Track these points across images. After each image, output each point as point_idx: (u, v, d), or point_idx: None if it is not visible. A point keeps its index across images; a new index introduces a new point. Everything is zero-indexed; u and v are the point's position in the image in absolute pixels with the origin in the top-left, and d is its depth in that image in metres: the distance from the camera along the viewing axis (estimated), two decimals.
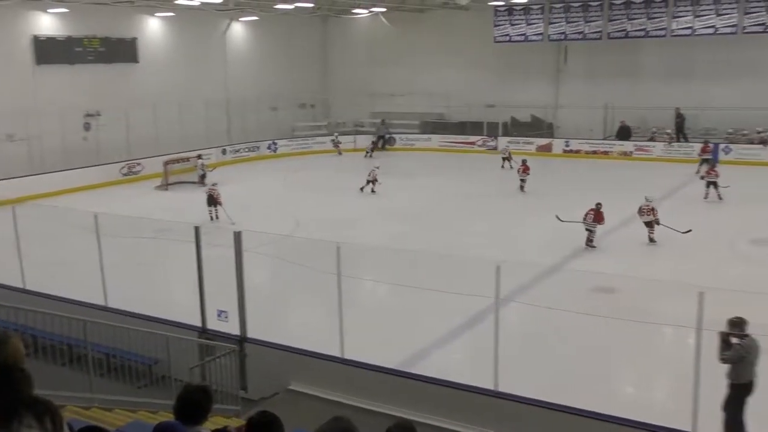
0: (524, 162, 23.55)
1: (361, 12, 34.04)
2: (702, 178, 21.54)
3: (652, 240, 16.44)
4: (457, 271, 13.55)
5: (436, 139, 33.36)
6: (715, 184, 20.53)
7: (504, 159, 27.65)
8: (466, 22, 33.37)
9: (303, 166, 29.03)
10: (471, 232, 17.51)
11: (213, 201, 19.48)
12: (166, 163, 25.22)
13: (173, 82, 29.16)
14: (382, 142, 33.22)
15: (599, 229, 16.20)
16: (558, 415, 7.61)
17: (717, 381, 8.34)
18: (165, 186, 24.82)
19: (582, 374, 9.67)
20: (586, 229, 16.14)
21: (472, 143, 32.34)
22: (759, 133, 27.21)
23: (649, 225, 16.53)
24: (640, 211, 16.70)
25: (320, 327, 10.91)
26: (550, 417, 7.62)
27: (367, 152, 31.52)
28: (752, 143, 27.04)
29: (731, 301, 10.62)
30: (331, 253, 9.10)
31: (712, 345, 8.01)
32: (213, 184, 20.51)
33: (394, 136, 33.77)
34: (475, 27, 33.04)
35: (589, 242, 16.16)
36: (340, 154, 32.13)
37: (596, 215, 16.16)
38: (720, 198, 20.39)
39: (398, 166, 29.05)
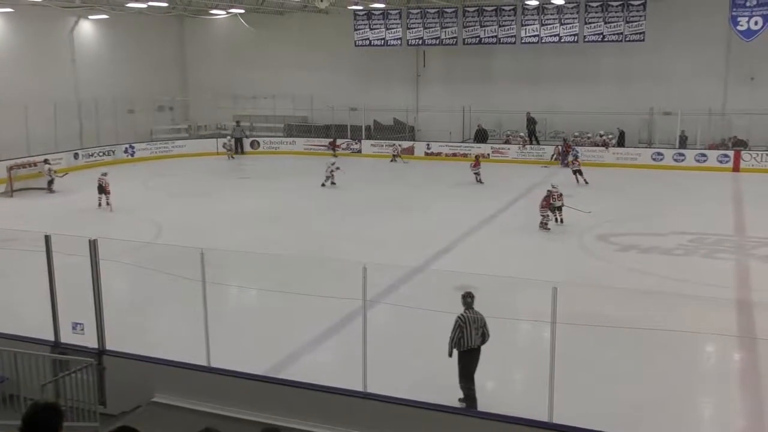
0: (477, 158, 26.21)
1: (219, 13, 33.36)
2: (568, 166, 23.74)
3: (561, 221, 18.28)
4: (325, 274, 13.62)
5: (301, 142, 33.29)
6: (580, 172, 23.72)
7: (394, 156, 29.43)
8: (327, 25, 33.59)
9: (164, 171, 28.07)
10: (338, 234, 17.62)
11: (102, 189, 20.66)
12: (10, 169, 23.61)
13: (15, 82, 27.30)
14: (239, 144, 32.69)
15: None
16: (427, 413, 7.80)
17: (572, 371, 8.89)
18: (10, 193, 23.25)
19: (449, 372, 9.96)
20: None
21: (338, 146, 32.54)
22: (601, 136, 29.21)
23: (559, 209, 18.24)
24: (552, 197, 18.11)
25: (185, 336, 10.58)
26: (419, 416, 7.80)
27: (228, 154, 31.46)
28: (596, 145, 28.98)
29: (581, 295, 11.39)
30: (194, 260, 8.87)
31: (566, 337, 8.55)
32: (103, 174, 21.17)
33: (256, 138, 33.32)
34: (335, 30, 33.31)
35: (544, 225, 17.89)
36: (231, 158, 31.62)
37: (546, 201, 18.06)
38: (586, 182, 23.42)
39: (262, 169, 28.76)
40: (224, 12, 33.06)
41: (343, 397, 8.26)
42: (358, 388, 8.16)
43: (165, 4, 29.54)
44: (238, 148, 32.52)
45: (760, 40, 26.20)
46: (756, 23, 25.96)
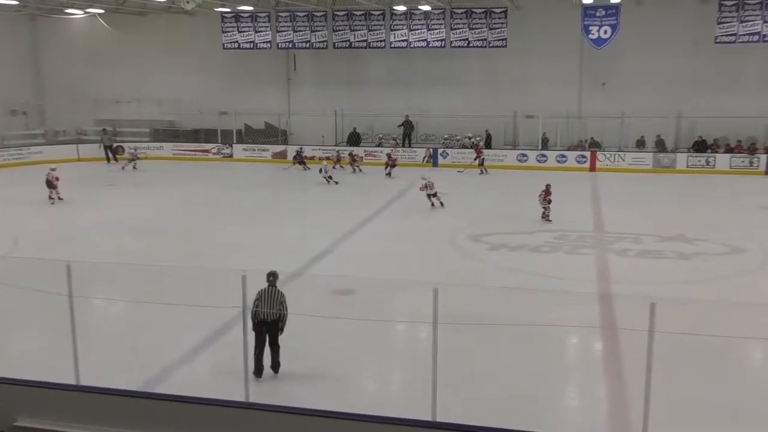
0: (389, 155, 27.69)
1: (76, 13, 31.72)
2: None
3: (441, 204, 20.79)
4: (199, 283, 13.24)
5: (169, 148, 32.23)
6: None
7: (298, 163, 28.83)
8: (193, 27, 32.76)
9: (18, 179, 26.30)
10: (213, 242, 17.18)
11: (50, 184, 21.75)
12: None
13: None
14: (110, 151, 31.24)
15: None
16: (311, 420, 7.74)
17: (452, 370, 9.11)
18: None
19: (330, 376, 9.95)
20: (543, 207, 19.50)
21: (207, 151, 31.76)
22: (469, 138, 30.20)
23: (434, 195, 20.72)
24: (424, 188, 20.72)
25: (50, 354, 9.98)
26: (302, 423, 7.73)
27: (110, 160, 30.40)
28: (465, 148, 29.92)
29: (457, 294, 11.69)
30: (58, 273, 8.36)
31: (444, 336, 8.76)
32: (52, 169, 22.23)
33: (120, 144, 31.90)
34: (203, 32, 32.53)
35: (545, 217, 19.28)
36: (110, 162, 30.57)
37: (547, 193, 19.40)
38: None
39: (129, 176, 27.59)
40: (82, 12, 31.47)
41: (224, 408, 8.05)
42: (240, 398, 7.99)
43: (15, 2, 27.73)
44: (108, 156, 30.97)
45: (610, 48, 28.03)
46: (605, 32, 27.73)
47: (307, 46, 31.46)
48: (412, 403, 8.39)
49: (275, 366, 9.84)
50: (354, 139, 31.88)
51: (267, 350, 9.74)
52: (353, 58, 32.12)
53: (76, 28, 34.71)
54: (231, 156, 31.26)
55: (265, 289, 9.75)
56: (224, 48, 32.05)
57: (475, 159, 27.76)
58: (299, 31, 31.22)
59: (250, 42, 31.76)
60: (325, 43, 31.21)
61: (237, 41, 31.91)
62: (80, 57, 34.41)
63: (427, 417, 7.30)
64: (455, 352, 10.16)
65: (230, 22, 31.75)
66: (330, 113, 32.02)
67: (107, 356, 10.13)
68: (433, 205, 20.73)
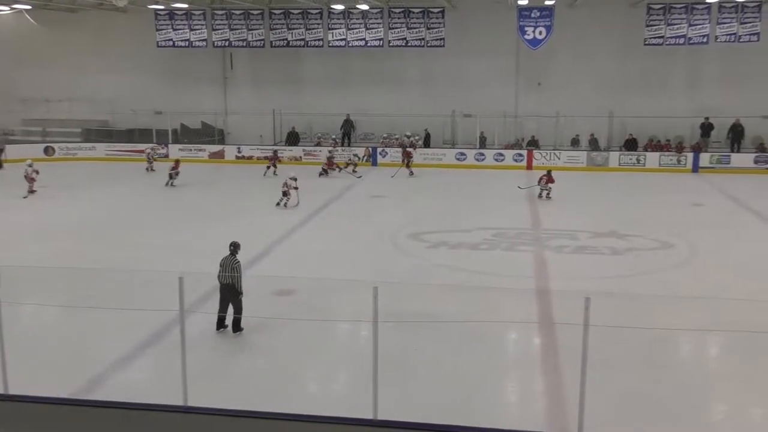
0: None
1: (1, 9, 30.58)
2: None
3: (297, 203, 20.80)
4: (135, 286, 12.95)
5: (102, 148, 31.39)
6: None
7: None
8: (126, 24, 32.02)
9: None
10: (148, 244, 16.82)
11: (29, 179, 22.28)
12: None
13: None
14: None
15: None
16: (250, 422, 7.65)
17: (393, 368, 9.15)
18: None
19: (271, 376, 9.87)
20: (542, 189, 21.75)
21: (142, 151, 31.03)
22: (408, 137, 30.36)
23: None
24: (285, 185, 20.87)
25: None
26: (242, 425, 7.64)
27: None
28: (403, 146, 29.99)
29: (398, 292, 11.75)
30: None
31: (385, 335, 8.79)
32: (29, 164, 22.65)
33: (50, 145, 30.86)
34: (136, 30, 31.80)
35: (548, 197, 21.72)
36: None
37: (548, 178, 21.93)
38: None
39: (60, 177, 26.74)
40: (7, 8, 30.36)
41: (163, 413, 7.90)
42: (178, 402, 7.85)
43: None
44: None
45: (545, 49, 28.59)
46: (540, 33, 28.25)
47: (244, 44, 31.07)
48: (354, 402, 8.39)
49: (233, 325, 11.02)
50: (293, 138, 31.69)
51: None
52: (291, 57, 31.91)
53: (1, 25, 33.47)
54: (167, 156, 30.64)
55: (226, 256, 11.14)
56: (158, 46, 31.37)
57: (403, 160, 27.59)
58: (236, 29, 30.82)
59: (186, 40, 31.18)
60: (263, 42, 30.87)
61: (172, 39, 31.27)
62: (6, 55, 33.21)
63: (368, 416, 7.31)
64: (396, 350, 10.20)
65: (164, 20, 31.10)
66: (268, 112, 31.73)
67: (38, 363, 9.81)
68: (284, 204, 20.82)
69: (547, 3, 27.34)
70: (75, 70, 32.56)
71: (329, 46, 30.49)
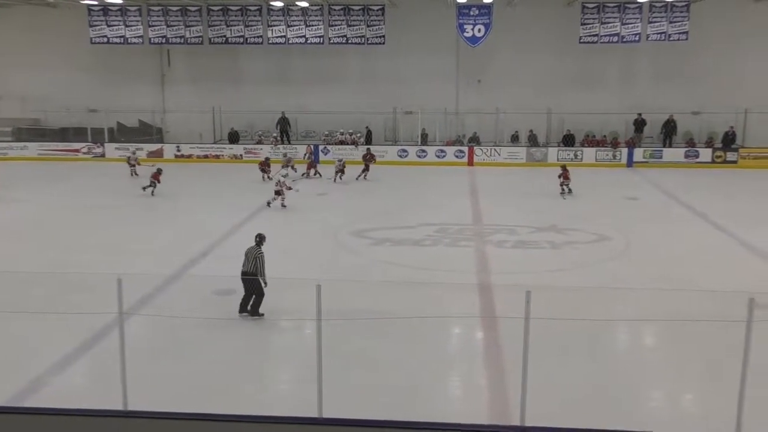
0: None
1: None
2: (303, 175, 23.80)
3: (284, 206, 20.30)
4: (71, 289, 12.60)
5: (34, 148, 30.37)
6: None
7: (131, 166, 26.20)
8: (58, 20, 31.11)
9: None
10: (84, 246, 16.37)
11: None
12: None
13: None
14: None
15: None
16: (191, 424, 7.53)
17: (338, 366, 9.13)
18: None
19: (213, 377, 9.73)
20: (562, 185, 22.27)
21: (77, 151, 30.21)
22: (351, 134, 30.34)
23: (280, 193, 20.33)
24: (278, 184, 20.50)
25: None
26: (183, 428, 7.51)
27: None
28: (345, 143, 30.00)
29: (342, 290, 11.74)
30: None
31: (331, 333, 8.77)
32: None
33: None
34: (69, 26, 30.94)
35: (569, 192, 22.19)
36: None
37: (565, 174, 22.34)
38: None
39: None
40: None
41: (101, 418, 7.70)
42: (118, 407, 7.68)
43: None
44: None
45: (484, 47, 28.97)
46: (479, 30, 28.62)
47: (182, 41, 30.53)
48: (298, 400, 8.36)
49: (251, 310, 11.46)
50: (233, 137, 31.32)
51: None
52: (230, 55, 31.51)
53: None
54: (103, 156, 29.91)
55: (251, 247, 11.75)
56: (92, 43, 30.55)
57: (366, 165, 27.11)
58: (173, 25, 30.23)
59: (121, 36, 30.44)
60: (201, 39, 30.41)
61: (106, 36, 30.49)
62: None
63: (313, 414, 7.28)
64: (341, 348, 10.20)
65: (98, 16, 30.29)
66: (207, 110, 31.27)
67: None
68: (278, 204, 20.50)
69: (485, 1, 27.69)
70: (5, 68, 31.48)
71: (269, 44, 30.23)
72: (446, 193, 23.09)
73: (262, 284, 11.46)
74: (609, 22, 28.76)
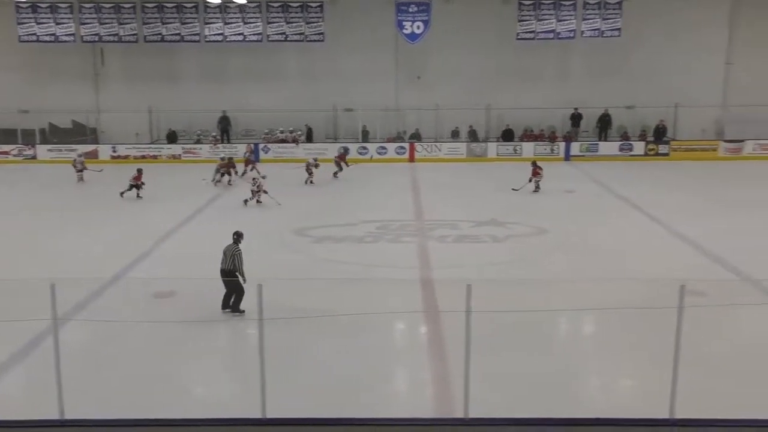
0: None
1: None
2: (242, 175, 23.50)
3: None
4: (2, 296, 12.17)
5: None
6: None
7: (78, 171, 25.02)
8: None
9: None
10: (16, 251, 15.84)
11: None
12: None
13: None
14: None
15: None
16: (130, 430, 7.40)
17: (282, 365, 9.07)
18: None
19: (155, 381, 9.54)
20: (536, 182, 22.36)
21: (7, 153, 29.20)
22: (291, 132, 30.15)
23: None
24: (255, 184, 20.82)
25: None
26: None
27: None
28: (285, 142, 29.80)
29: (284, 288, 11.66)
30: None
31: (275, 333, 8.71)
32: None
33: None
34: None
35: (537, 189, 22.24)
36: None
37: (535, 170, 22.48)
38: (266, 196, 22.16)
39: None
40: None
41: (37, 429, 7.50)
42: (55, 416, 7.47)
43: None
44: None
45: (423, 43, 29.18)
46: (418, 27, 28.82)
47: (116, 39, 29.82)
48: (241, 401, 8.27)
49: (233, 307, 11.49)
50: (172, 137, 30.76)
51: None
52: (167, 53, 30.91)
53: None
54: (34, 157, 29.00)
55: (229, 245, 11.79)
56: (21, 41, 29.59)
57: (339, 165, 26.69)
58: (106, 23, 29.50)
59: (51, 34, 29.55)
60: (136, 37, 29.76)
61: (35, 33, 29.55)
62: None
63: (256, 414, 7.22)
64: (285, 346, 10.14)
65: (26, 13, 29.33)
66: (144, 110, 30.62)
67: None
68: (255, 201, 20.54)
69: None
70: None
71: (206, 41, 29.81)
72: (388, 190, 23.16)
73: (241, 281, 11.45)
74: (545, 19, 29.31)
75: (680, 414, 7.23)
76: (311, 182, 23.82)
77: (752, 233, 17.12)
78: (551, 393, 9.06)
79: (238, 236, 12.05)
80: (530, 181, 22.58)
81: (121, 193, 21.53)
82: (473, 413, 7.35)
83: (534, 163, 23.08)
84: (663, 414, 7.31)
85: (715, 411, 7.33)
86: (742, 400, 8.55)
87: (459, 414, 7.54)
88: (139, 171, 21.91)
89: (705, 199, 21.26)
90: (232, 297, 11.58)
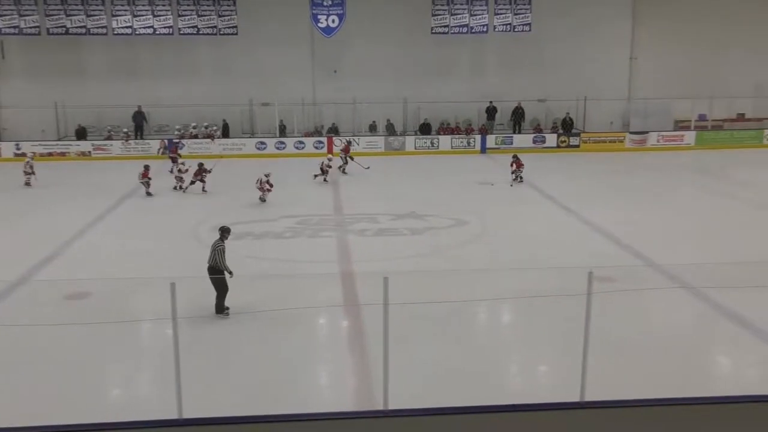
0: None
1: None
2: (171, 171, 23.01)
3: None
4: None
5: None
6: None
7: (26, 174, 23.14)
8: None
9: None
10: None
11: None
12: None
13: None
14: None
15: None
16: None
17: (200, 364, 8.91)
18: None
19: (69, 385, 9.22)
20: (513, 173, 22.71)
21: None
22: (206, 128, 29.57)
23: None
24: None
25: None
26: None
27: None
28: (197, 137, 29.18)
29: (201, 287, 11.45)
30: None
31: (193, 332, 8.56)
32: None
33: None
34: None
35: (520, 180, 22.63)
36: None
37: (517, 162, 22.76)
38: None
39: None
40: None
41: None
42: None
43: None
44: None
45: (339, 37, 29.12)
46: (333, 21, 28.74)
47: (16, 31, 28.50)
48: (158, 402, 8.09)
49: (215, 307, 11.12)
50: (81, 133, 29.65)
51: None
52: (73, 46, 29.74)
53: None
54: None
55: (215, 240, 11.48)
56: None
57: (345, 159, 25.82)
58: (5, 15, 28.15)
59: None
60: (38, 29, 28.52)
61: None
62: None
63: (173, 415, 7.08)
64: (203, 345, 9.97)
65: None
66: (49, 106, 29.41)
67: None
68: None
69: None
70: None
71: (114, 34, 28.86)
72: (306, 185, 23.05)
73: (227, 276, 11.12)
74: (458, 14, 29.77)
75: (590, 397, 7.49)
76: (325, 180, 23.49)
77: (657, 221, 17.93)
78: (469, 382, 9.25)
79: (223, 231, 11.66)
80: (513, 174, 22.85)
81: (149, 193, 21.19)
82: (393, 405, 7.41)
83: (515, 156, 23.40)
84: (574, 397, 7.56)
85: (624, 392, 7.63)
86: (649, 381, 8.96)
87: (379, 406, 7.59)
88: (146, 168, 21.43)
89: (613, 189, 22.10)
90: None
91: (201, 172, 21.49)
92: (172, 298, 6.95)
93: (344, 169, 25.25)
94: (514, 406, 7.40)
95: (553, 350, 10.28)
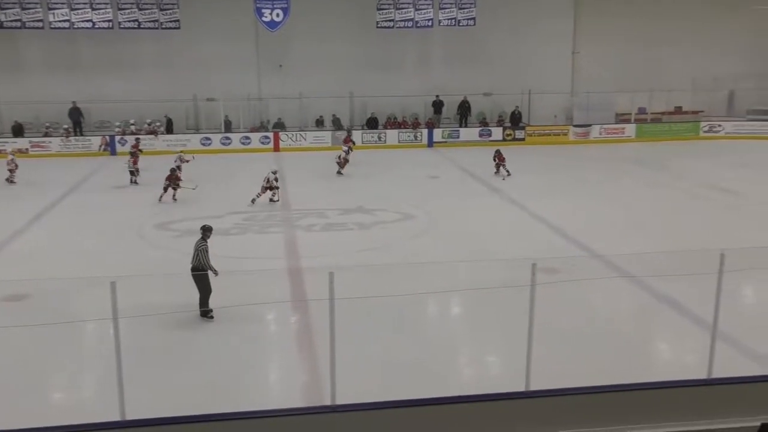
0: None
1: None
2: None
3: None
4: None
5: None
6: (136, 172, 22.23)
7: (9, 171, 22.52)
8: None
9: None
10: None
11: None
12: None
13: None
14: None
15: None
16: None
17: (144, 365, 8.75)
18: None
19: (7, 391, 8.95)
20: (497, 166, 22.70)
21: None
22: (149, 124, 29.02)
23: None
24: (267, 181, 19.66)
25: None
26: None
27: None
28: (139, 133, 28.60)
29: (143, 286, 11.25)
30: None
31: (137, 332, 8.38)
32: None
33: None
34: None
35: (507, 174, 22.45)
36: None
37: (500, 156, 22.83)
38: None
39: None
40: None
41: None
42: None
43: None
44: None
45: (284, 31, 28.89)
46: (278, 15, 28.50)
47: None
48: (101, 404, 7.92)
49: (199, 306, 10.86)
50: (17, 130, 28.75)
51: None
52: (7, 41, 28.84)
53: None
54: None
55: (197, 240, 11.26)
56: None
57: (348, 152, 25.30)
58: None
59: None
60: None
61: None
62: None
63: (115, 417, 6.95)
64: (148, 345, 9.80)
65: None
66: None
67: None
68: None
69: None
70: None
71: (51, 28, 28.07)
72: (253, 181, 22.79)
73: (211, 275, 10.90)
74: (403, 8, 29.86)
75: (535, 386, 7.62)
76: (340, 173, 23.57)
77: (600, 212, 18.32)
78: (416, 375, 9.30)
79: (204, 230, 11.38)
80: (497, 169, 22.82)
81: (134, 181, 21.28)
82: (340, 400, 7.41)
83: (497, 150, 23.41)
84: (520, 387, 7.67)
85: (568, 380, 7.78)
86: (592, 369, 9.15)
87: (327, 402, 7.58)
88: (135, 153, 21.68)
89: (557, 181, 22.48)
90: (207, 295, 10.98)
91: (173, 179, 19.82)
92: (113, 298, 6.81)
93: (347, 157, 24.68)
94: (460, 397, 7.49)
95: (500, 341, 10.42)
